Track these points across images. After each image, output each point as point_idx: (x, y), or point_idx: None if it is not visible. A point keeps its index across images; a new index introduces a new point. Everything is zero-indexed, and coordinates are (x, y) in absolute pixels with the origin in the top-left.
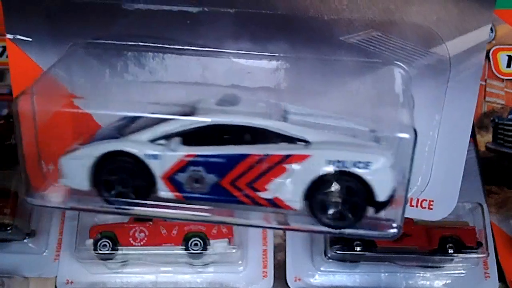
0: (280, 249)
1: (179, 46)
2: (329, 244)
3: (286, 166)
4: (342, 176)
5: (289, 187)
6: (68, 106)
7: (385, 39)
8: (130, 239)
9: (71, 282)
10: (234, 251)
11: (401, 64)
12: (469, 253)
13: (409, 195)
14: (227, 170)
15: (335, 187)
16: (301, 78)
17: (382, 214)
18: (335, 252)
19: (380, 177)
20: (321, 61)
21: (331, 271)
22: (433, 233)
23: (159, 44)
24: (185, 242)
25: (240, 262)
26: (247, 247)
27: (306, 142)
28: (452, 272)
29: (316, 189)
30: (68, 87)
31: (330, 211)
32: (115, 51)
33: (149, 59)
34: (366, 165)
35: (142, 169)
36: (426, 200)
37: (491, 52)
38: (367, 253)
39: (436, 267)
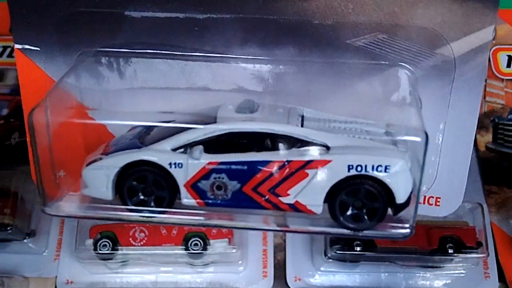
0: (280, 249)
1: (187, 52)
2: (329, 244)
3: (308, 171)
4: (363, 180)
5: (310, 192)
6: (82, 118)
7: (391, 41)
8: (130, 239)
9: (71, 282)
10: (234, 251)
11: (407, 66)
12: (469, 253)
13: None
14: (249, 177)
15: (356, 191)
16: (309, 81)
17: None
18: (335, 252)
19: (399, 180)
20: (328, 64)
21: (331, 271)
22: (433, 233)
23: (168, 50)
24: (185, 242)
25: (240, 262)
26: (247, 247)
27: (326, 147)
28: (452, 272)
29: (337, 193)
30: (80, 98)
31: (351, 215)
32: (124, 58)
33: (159, 65)
34: (386, 168)
35: (166, 177)
36: (433, 197)
37: (491, 52)
38: (367, 253)
39: (436, 267)
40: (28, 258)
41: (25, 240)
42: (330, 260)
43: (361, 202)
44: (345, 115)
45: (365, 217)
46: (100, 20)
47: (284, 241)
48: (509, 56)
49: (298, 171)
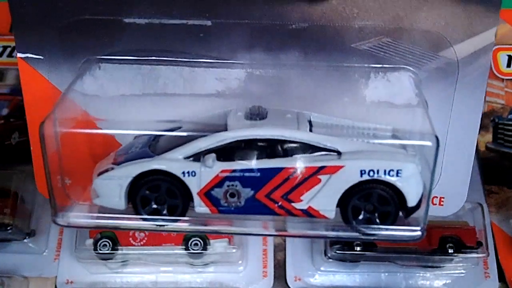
0: (280, 249)
1: (193, 58)
2: (329, 244)
3: (320, 177)
4: (375, 184)
5: (323, 197)
6: (89, 127)
7: (395, 44)
8: (130, 239)
9: (71, 282)
10: (234, 251)
11: (411, 68)
12: (469, 253)
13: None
14: (262, 184)
15: (368, 195)
16: (315, 85)
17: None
18: (335, 252)
19: (410, 183)
20: (333, 68)
21: (331, 271)
22: (433, 233)
23: (173, 57)
24: (185, 242)
25: (240, 262)
26: (247, 247)
27: (338, 152)
28: (452, 272)
29: (350, 198)
30: (86, 107)
31: (364, 219)
32: (128, 66)
33: (164, 72)
34: (398, 172)
35: (180, 186)
36: (437, 197)
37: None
38: (367, 253)
39: (436, 267)
40: (28, 258)
41: (25, 240)
42: (330, 260)
43: (373, 206)
44: (351, 118)
45: (379, 221)
46: (104, 27)
47: (284, 241)
48: (509, 56)
49: (311, 177)
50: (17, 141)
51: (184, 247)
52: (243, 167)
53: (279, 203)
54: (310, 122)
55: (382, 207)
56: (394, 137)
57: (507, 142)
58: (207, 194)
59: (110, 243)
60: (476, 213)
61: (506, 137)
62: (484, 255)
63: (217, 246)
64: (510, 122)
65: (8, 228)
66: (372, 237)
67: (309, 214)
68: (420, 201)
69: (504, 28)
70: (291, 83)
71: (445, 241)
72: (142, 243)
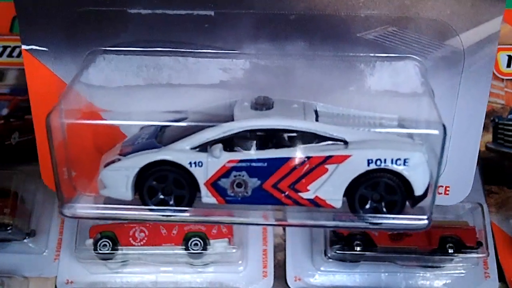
0: (280, 249)
1: (198, 49)
2: (329, 244)
3: (328, 166)
4: (382, 173)
5: (330, 187)
6: (95, 119)
7: (401, 34)
8: (130, 239)
9: (71, 282)
10: (234, 251)
11: (417, 58)
12: (469, 253)
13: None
14: (269, 174)
15: (375, 184)
16: (320, 75)
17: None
18: (335, 252)
19: (417, 172)
20: (339, 57)
21: (331, 271)
22: (433, 233)
23: (178, 48)
24: (185, 242)
25: (240, 262)
26: (247, 247)
27: (345, 142)
28: (452, 272)
29: (357, 187)
30: (92, 99)
31: (371, 208)
32: (133, 57)
33: (168, 63)
34: (405, 161)
35: (187, 177)
36: (442, 186)
37: None
38: (367, 253)
39: (436, 267)
40: (28, 258)
41: (25, 240)
42: (330, 260)
43: (379, 195)
44: (357, 108)
45: (386, 210)
46: (108, 18)
47: (284, 241)
48: (509, 56)
49: (318, 166)
50: (17, 141)
51: (184, 247)
52: (249, 157)
53: (286, 193)
54: (316, 112)
55: (389, 196)
56: (401, 126)
57: (507, 142)
58: (214, 185)
59: (110, 243)
60: (476, 213)
61: (506, 137)
62: (484, 255)
63: (217, 246)
64: (510, 122)
65: (8, 228)
66: (378, 226)
67: (316, 203)
68: (427, 190)
69: (504, 28)
70: (296, 73)
71: (445, 241)
72: (142, 243)
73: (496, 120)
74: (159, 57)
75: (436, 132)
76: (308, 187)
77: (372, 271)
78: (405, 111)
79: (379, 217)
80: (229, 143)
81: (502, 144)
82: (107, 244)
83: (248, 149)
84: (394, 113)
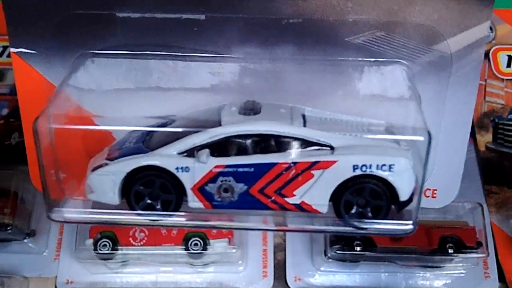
0: (280, 249)
1: (187, 53)
2: (329, 244)
3: (314, 172)
4: (368, 179)
5: (316, 192)
6: (83, 122)
7: (389, 38)
8: (130, 239)
9: (71, 282)
10: (234, 251)
11: (405, 62)
12: (469, 253)
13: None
14: (256, 179)
15: (360, 190)
16: (309, 79)
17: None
18: (335, 252)
19: (402, 178)
20: (327, 62)
21: (331, 271)
22: (433, 233)
23: (167, 51)
24: (185, 242)
25: (240, 262)
26: (247, 247)
27: (331, 147)
28: (452, 272)
29: (342, 192)
30: (81, 102)
31: (356, 213)
32: (122, 60)
33: (157, 66)
34: (390, 167)
35: (173, 182)
36: (429, 189)
37: (491, 52)
38: (367, 253)
39: (436, 267)
40: (28, 258)
41: (25, 240)
42: (330, 260)
43: (365, 200)
44: (345, 112)
45: (371, 216)
46: (98, 22)
47: (284, 241)
48: (509, 56)
49: (304, 172)
50: (17, 141)
51: (184, 247)
52: (236, 162)
53: (272, 198)
54: (304, 116)
55: (374, 201)
56: (388, 131)
57: (507, 142)
58: (200, 189)
59: (110, 243)
60: (476, 213)
61: (506, 137)
62: (484, 255)
63: (217, 246)
64: (510, 122)
65: (8, 228)
66: (364, 231)
67: (302, 208)
68: (412, 195)
69: (504, 28)
70: (285, 77)
71: (445, 241)
72: (142, 243)
73: (496, 120)
74: (148, 60)
75: (421, 138)
76: (294, 192)
77: (372, 271)
78: (392, 115)
79: (365, 222)
80: (216, 148)
81: (502, 144)
82: (107, 244)
83: (235, 154)
84: (381, 118)
